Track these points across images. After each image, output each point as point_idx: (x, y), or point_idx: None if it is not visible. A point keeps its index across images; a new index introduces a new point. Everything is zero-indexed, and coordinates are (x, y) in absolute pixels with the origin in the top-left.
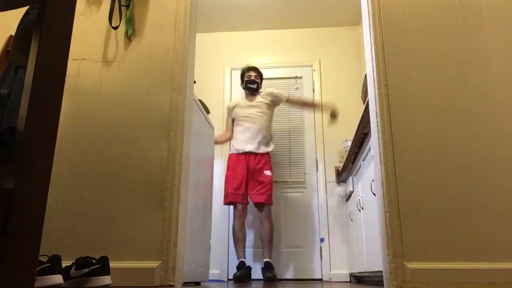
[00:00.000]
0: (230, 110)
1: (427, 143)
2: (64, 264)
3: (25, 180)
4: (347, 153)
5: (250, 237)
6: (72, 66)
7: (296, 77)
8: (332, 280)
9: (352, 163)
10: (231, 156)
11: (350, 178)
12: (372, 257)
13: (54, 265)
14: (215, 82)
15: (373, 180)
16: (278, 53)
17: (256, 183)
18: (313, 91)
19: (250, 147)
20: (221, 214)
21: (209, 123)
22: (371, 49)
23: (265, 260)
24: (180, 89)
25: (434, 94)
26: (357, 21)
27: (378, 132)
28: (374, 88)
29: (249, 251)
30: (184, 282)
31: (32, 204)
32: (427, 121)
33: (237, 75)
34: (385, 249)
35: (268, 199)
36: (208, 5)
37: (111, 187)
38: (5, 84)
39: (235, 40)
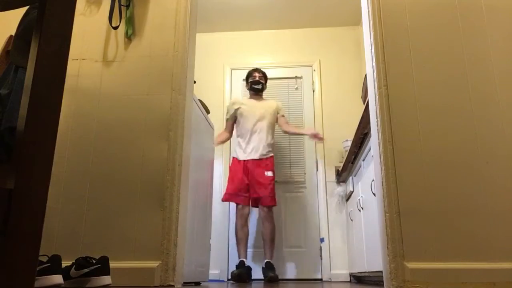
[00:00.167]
0: (233, 109)
1: (427, 143)
2: (64, 264)
3: (25, 180)
4: (347, 153)
5: (251, 237)
6: (72, 66)
7: (296, 77)
8: (332, 280)
9: (352, 163)
10: (233, 160)
11: (350, 178)
12: (372, 257)
13: (54, 265)
14: (215, 82)
15: (373, 180)
16: (278, 53)
17: (257, 184)
18: (313, 91)
19: (253, 155)
20: (221, 214)
21: (209, 123)
22: (371, 49)
23: (266, 260)
24: (180, 89)
25: (434, 94)
26: (357, 21)
27: (378, 132)
28: (374, 88)
29: (250, 251)
30: (184, 282)
31: (32, 204)
32: (427, 121)
33: (237, 75)
34: (385, 249)
35: (268, 201)
36: (208, 5)
37: (111, 187)
38: (5, 84)
39: (235, 40)
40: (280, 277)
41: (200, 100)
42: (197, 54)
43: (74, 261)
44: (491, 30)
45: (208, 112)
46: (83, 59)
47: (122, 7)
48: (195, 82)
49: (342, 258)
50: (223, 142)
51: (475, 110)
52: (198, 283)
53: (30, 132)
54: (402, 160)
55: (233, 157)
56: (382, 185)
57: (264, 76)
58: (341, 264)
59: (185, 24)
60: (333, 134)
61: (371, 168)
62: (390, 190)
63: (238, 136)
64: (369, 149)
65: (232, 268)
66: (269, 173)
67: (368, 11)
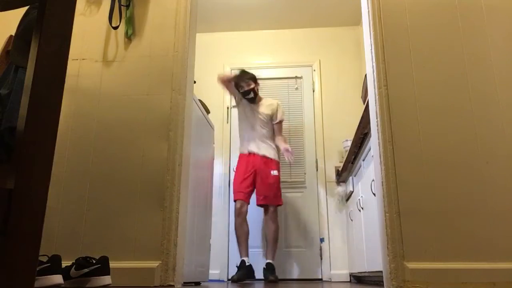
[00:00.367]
0: (239, 100)
1: (427, 143)
2: (64, 264)
3: (25, 180)
4: (347, 153)
5: (253, 237)
6: (72, 66)
7: (296, 77)
8: (332, 280)
9: (352, 163)
10: (239, 156)
11: (350, 178)
12: (372, 257)
13: (54, 265)
14: (215, 82)
15: (373, 180)
16: (278, 53)
17: (263, 185)
18: (313, 91)
19: (256, 150)
20: (221, 214)
21: (209, 123)
22: (371, 49)
23: (267, 261)
24: (180, 89)
25: (434, 94)
26: (357, 21)
27: (378, 132)
28: (374, 88)
29: (250, 250)
30: (184, 282)
31: (32, 204)
32: (427, 121)
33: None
34: (385, 249)
35: (274, 200)
36: (208, 5)
37: (111, 187)
38: (5, 84)
39: (235, 40)
40: (280, 277)
41: (200, 100)
42: (197, 54)
43: (74, 261)
44: (491, 30)
45: (208, 112)
46: (83, 59)
47: (122, 7)
48: (195, 82)
49: (342, 258)
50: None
51: (475, 110)
52: (198, 283)
53: (30, 132)
54: (402, 160)
55: (239, 154)
56: (382, 185)
57: (252, 79)
58: (341, 264)
59: (185, 24)
60: (333, 134)
61: (371, 168)
62: (390, 190)
63: (240, 130)
64: (369, 149)
65: (232, 267)
66: (275, 172)
67: (368, 11)
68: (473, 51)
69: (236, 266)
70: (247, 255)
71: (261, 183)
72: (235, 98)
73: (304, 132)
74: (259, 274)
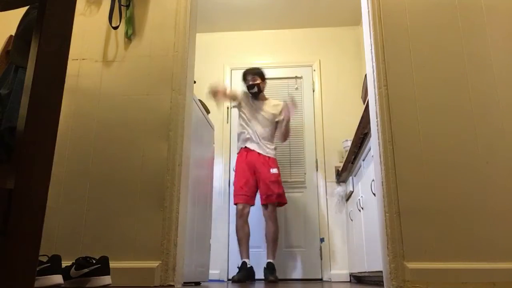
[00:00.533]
0: (239, 104)
1: (427, 143)
2: (64, 264)
3: (25, 180)
4: (347, 153)
5: (254, 237)
6: (72, 66)
7: (296, 77)
8: (332, 280)
9: (352, 163)
10: (238, 155)
11: (350, 178)
12: (372, 257)
13: (54, 265)
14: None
15: (373, 180)
16: (278, 53)
17: (264, 184)
18: (313, 91)
19: (251, 144)
20: (221, 214)
21: (209, 123)
22: (371, 49)
23: (268, 261)
24: (180, 89)
25: (434, 94)
26: (357, 21)
27: (378, 132)
28: (374, 88)
29: (252, 251)
30: (184, 282)
31: (32, 204)
32: (427, 121)
33: (237, 75)
34: (385, 249)
35: (275, 199)
36: (208, 5)
37: (111, 187)
38: (5, 84)
39: (235, 40)
40: (280, 277)
41: (200, 100)
42: (197, 54)
43: (74, 261)
44: (491, 30)
45: (208, 112)
46: (83, 59)
47: (122, 7)
48: (195, 82)
49: (342, 258)
50: (224, 92)
51: (475, 110)
52: (198, 283)
53: (30, 132)
54: (402, 160)
55: (237, 155)
56: (382, 185)
57: (259, 75)
58: (341, 264)
59: (185, 24)
60: (333, 134)
61: (371, 168)
62: (390, 190)
63: (240, 130)
64: (369, 149)
65: (232, 267)
66: (274, 170)
67: (368, 11)
68: (473, 51)
69: (238, 267)
70: (248, 257)
71: (262, 183)
72: (236, 103)
73: (304, 132)
74: (259, 274)
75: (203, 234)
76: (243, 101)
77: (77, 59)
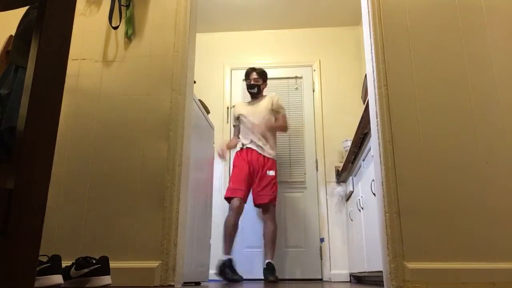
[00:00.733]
0: (236, 115)
1: (427, 143)
2: (64, 264)
3: (25, 180)
4: (347, 153)
5: (254, 237)
6: (72, 66)
7: (296, 77)
8: (332, 280)
9: (352, 163)
10: (235, 155)
11: (350, 178)
12: (372, 257)
13: (54, 265)
14: (215, 82)
15: (373, 180)
16: (278, 53)
17: (259, 186)
18: (313, 91)
19: (252, 145)
20: (221, 214)
21: (209, 123)
22: (371, 49)
23: (267, 261)
24: (180, 89)
25: (434, 94)
26: (357, 21)
27: (378, 132)
28: (374, 88)
29: (250, 250)
30: (184, 282)
31: (32, 204)
32: (427, 121)
33: (237, 75)
34: (385, 249)
35: (265, 200)
36: (208, 5)
37: (111, 187)
38: (5, 84)
39: (235, 40)
40: (280, 277)
41: (200, 100)
42: (197, 54)
43: (74, 261)
44: (491, 30)
45: (208, 112)
46: (83, 59)
47: (122, 7)
48: (195, 82)
49: (342, 258)
50: (234, 147)
51: (475, 110)
52: (198, 283)
53: (30, 132)
54: (402, 160)
55: (235, 153)
56: (382, 185)
57: (260, 75)
58: (341, 264)
59: (185, 24)
60: (333, 134)
61: (371, 168)
62: (390, 190)
63: (240, 134)
64: (369, 149)
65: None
66: (271, 172)
67: (368, 11)
68: (473, 51)
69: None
70: (230, 253)
71: (257, 184)
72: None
73: (304, 132)
74: (259, 274)
75: (203, 234)
76: (241, 111)
77: (77, 59)
